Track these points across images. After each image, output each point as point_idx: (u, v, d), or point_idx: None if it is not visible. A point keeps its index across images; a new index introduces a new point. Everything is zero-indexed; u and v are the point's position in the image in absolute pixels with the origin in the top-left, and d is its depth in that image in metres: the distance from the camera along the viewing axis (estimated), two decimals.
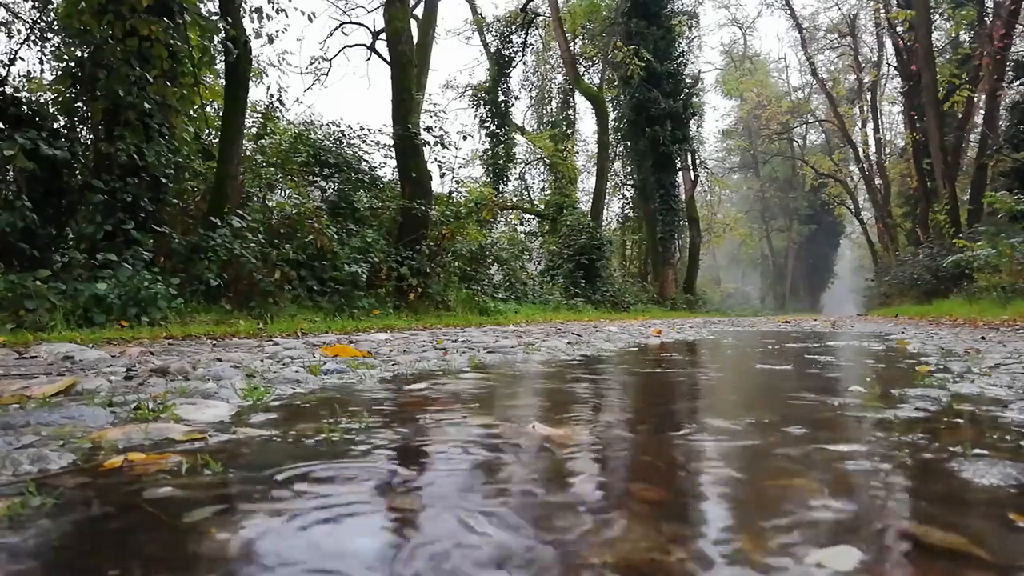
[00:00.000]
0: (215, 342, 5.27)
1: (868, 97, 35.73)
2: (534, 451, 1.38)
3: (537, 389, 2.60)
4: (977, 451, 1.32)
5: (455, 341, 5.52)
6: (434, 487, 1.10)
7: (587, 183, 32.40)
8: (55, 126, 7.84)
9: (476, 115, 27.69)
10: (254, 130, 13.13)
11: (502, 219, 23.48)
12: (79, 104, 8.03)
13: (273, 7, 9.97)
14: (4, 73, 7.89)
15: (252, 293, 8.60)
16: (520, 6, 27.82)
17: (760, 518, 0.93)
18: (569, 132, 29.93)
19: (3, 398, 1.92)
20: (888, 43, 32.30)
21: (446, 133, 14.04)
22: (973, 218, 20.10)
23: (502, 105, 27.67)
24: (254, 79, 12.23)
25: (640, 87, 25.68)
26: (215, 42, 9.58)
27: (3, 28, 8.76)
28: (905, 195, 32.23)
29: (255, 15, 9.81)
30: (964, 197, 22.98)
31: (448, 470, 1.22)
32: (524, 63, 30.66)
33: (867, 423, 1.71)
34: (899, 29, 25.85)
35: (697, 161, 31.91)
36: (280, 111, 13.83)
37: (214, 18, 9.37)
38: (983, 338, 5.70)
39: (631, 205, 31.26)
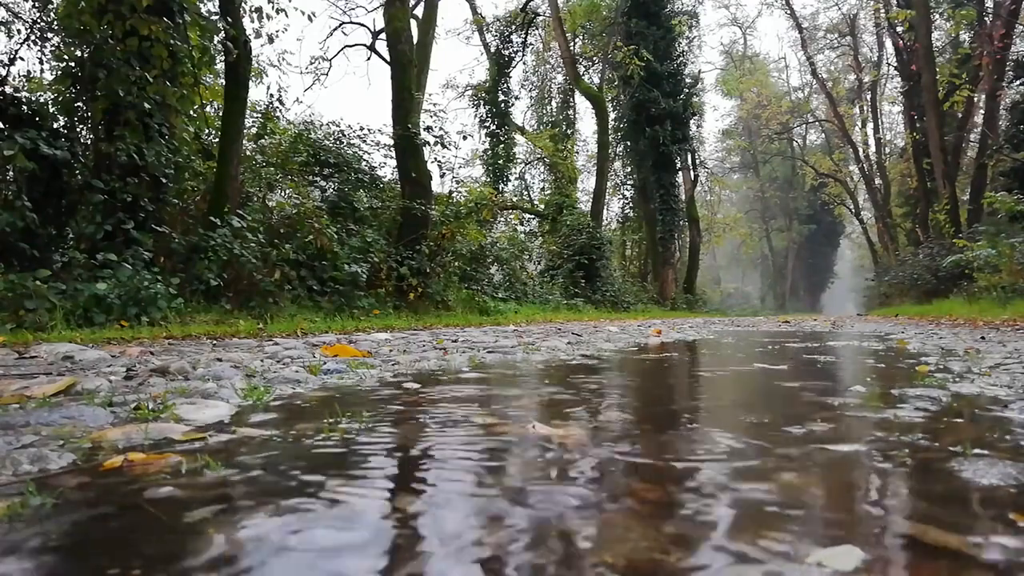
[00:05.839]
0: (215, 342, 5.27)
1: (868, 97, 35.74)
2: (534, 451, 1.38)
3: (537, 389, 2.60)
4: (977, 451, 1.32)
5: (455, 341, 5.52)
6: (434, 487, 1.10)
7: (587, 183, 32.45)
8: (55, 126, 7.84)
9: (476, 115, 27.73)
10: (254, 130, 13.13)
11: (502, 219, 23.48)
12: (79, 104, 8.03)
13: (273, 7, 9.98)
14: (4, 73, 7.89)
15: (252, 293, 8.60)
16: (520, 6, 27.82)
17: (760, 517, 0.93)
18: (569, 132, 29.94)
19: (3, 398, 1.92)
20: (888, 43, 32.35)
21: (446, 133, 14.05)
22: (973, 218, 20.10)
23: (502, 105, 27.67)
24: (254, 79, 12.24)
25: (640, 87, 25.68)
26: (215, 42, 9.58)
27: (3, 28, 8.76)
28: (905, 195, 32.23)
29: (255, 15, 9.82)
30: (964, 197, 22.98)
31: (448, 471, 1.22)
32: (524, 63, 30.72)
33: (867, 423, 1.71)
34: (899, 29, 25.85)
35: (697, 161, 31.93)
36: (280, 111, 13.84)
37: (214, 18, 9.38)
38: (983, 338, 5.70)
39: (631, 205, 31.27)
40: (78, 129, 8.18)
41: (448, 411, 1.87)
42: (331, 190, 13.43)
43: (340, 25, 23.09)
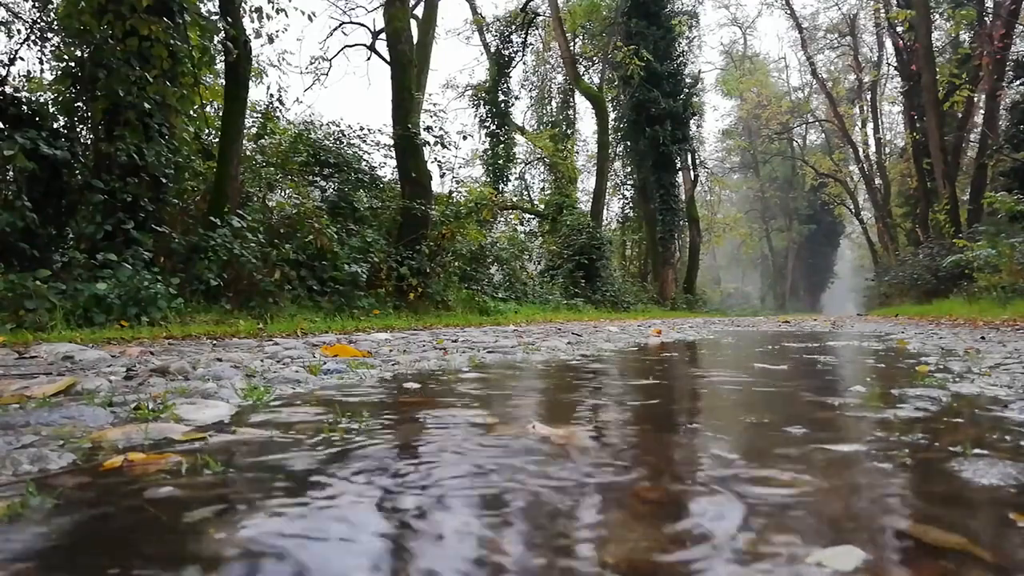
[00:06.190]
0: (215, 342, 5.27)
1: (868, 97, 35.75)
2: (534, 451, 1.38)
3: (537, 389, 2.60)
4: (977, 451, 1.32)
5: (455, 341, 5.52)
6: (434, 488, 1.10)
7: (587, 183, 32.45)
8: (55, 126, 7.84)
9: (476, 115, 27.74)
10: (254, 130, 13.13)
11: (502, 219, 23.49)
12: (79, 104, 8.03)
13: (273, 7, 9.98)
14: (4, 73, 7.89)
15: (252, 293, 8.60)
16: (520, 6, 27.83)
17: (760, 517, 0.93)
18: (569, 132, 29.94)
19: (3, 398, 1.92)
20: (888, 43, 32.36)
21: (446, 133, 14.04)
22: (973, 218, 20.10)
23: (502, 105, 27.67)
24: (254, 79, 12.24)
25: (640, 87, 25.69)
26: (215, 42, 9.58)
27: (3, 28, 8.76)
28: (905, 195, 32.24)
29: (255, 15, 9.82)
30: (964, 197, 22.98)
31: (448, 471, 1.22)
32: (524, 63, 30.73)
33: (867, 423, 1.71)
34: (899, 29, 25.85)
35: (697, 161, 31.95)
36: (280, 111, 13.84)
37: (214, 18, 9.38)
38: (983, 338, 5.70)
39: (631, 205, 31.28)
40: (78, 129, 8.18)
41: (448, 411, 1.87)
42: (331, 190, 13.43)
43: (340, 25, 23.12)
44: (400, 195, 12.80)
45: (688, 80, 28.92)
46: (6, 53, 8.32)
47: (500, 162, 27.09)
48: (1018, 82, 20.20)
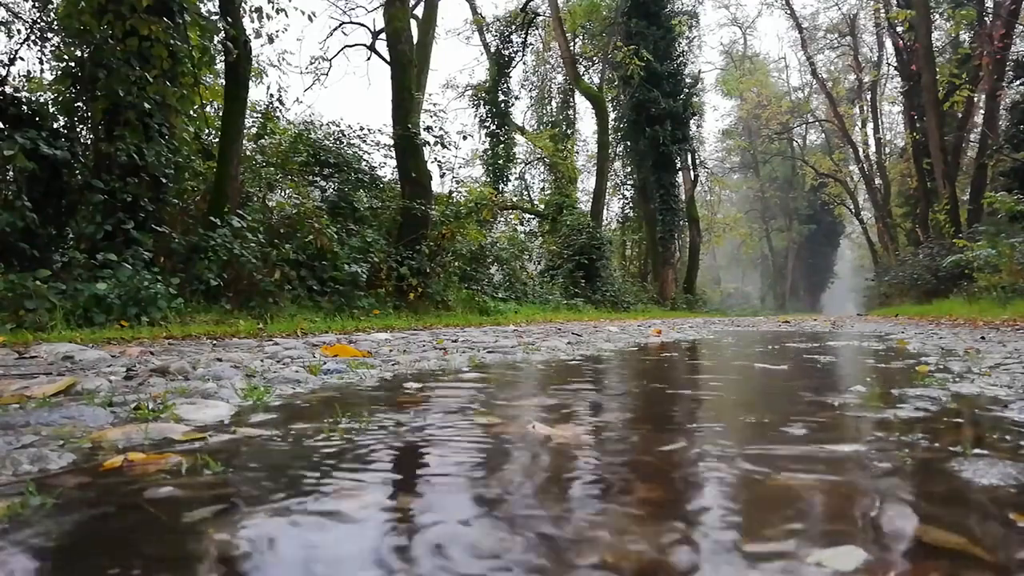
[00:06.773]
0: (215, 342, 5.27)
1: (868, 97, 35.75)
2: (534, 451, 1.38)
3: (537, 389, 2.59)
4: (977, 451, 1.32)
5: (455, 341, 5.52)
6: (434, 488, 1.10)
7: (587, 183, 32.46)
8: (55, 126, 7.84)
9: (476, 115, 27.74)
10: (254, 130, 13.13)
11: (502, 219, 23.48)
12: (79, 104, 8.03)
13: (273, 7, 9.98)
14: (4, 73, 7.89)
15: (252, 293, 8.60)
16: (520, 6, 27.83)
17: (761, 518, 0.93)
18: (569, 132, 29.95)
19: (3, 398, 1.92)
20: (888, 43, 32.37)
21: (446, 133, 14.04)
22: (973, 218, 20.10)
23: (502, 105, 27.68)
24: (254, 79, 12.24)
25: (640, 87, 25.69)
26: (215, 42, 9.59)
27: (3, 28, 8.76)
28: (905, 195, 32.24)
29: (255, 15, 9.83)
30: (964, 197, 22.98)
31: (448, 471, 1.22)
32: (524, 63, 30.73)
33: (867, 423, 1.71)
34: (899, 29, 25.85)
35: (697, 161, 31.95)
36: (280, 111, 13.84)
37: (214, 18, 9.38)
38: (983, 338, 5.70)
39: (631, 205, 31.28)
40: (78, 129, 8.18)
41: (448, 411, 1.87)
42: (331, 190, 13.43)
43: (340, 25, 23.11)
44: (400, 195, 12.80)
45: (688, 80, 28.93)
46: (6, 53, 8.32)
47: (500, 162, 27.10)
48: (1018, 82, 20.20)
